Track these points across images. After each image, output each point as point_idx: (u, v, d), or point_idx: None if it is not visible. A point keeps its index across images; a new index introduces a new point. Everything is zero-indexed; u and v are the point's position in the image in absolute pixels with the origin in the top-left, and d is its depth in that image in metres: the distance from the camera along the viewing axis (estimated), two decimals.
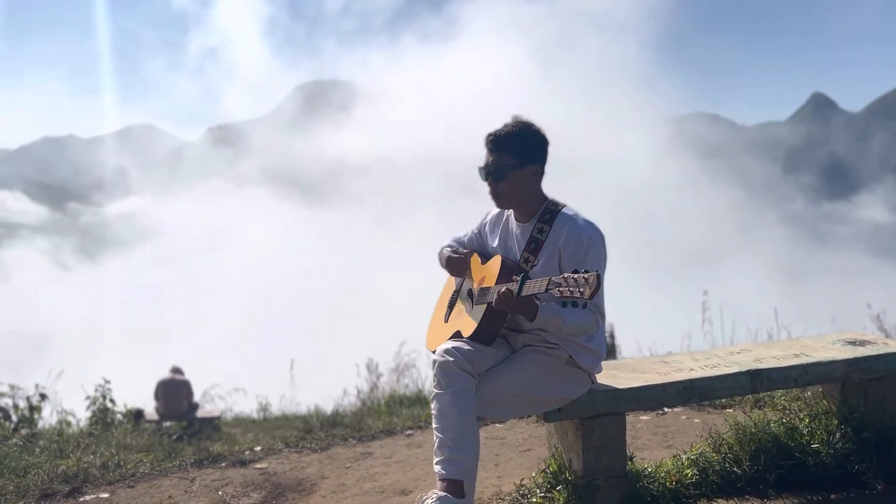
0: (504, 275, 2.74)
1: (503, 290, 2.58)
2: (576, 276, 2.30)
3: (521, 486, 3.21)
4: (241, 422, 9.48)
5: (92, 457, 4.15)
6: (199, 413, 9.62)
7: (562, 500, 2.93)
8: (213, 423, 9.09)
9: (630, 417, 4.37)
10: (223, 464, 4.11)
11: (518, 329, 2.89)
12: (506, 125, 2.81)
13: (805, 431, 3.29)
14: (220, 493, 3.66)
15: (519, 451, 3.95)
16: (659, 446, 3.84)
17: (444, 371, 2.69)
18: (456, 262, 3.01)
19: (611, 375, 3.13)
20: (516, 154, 2.78)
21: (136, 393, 9.31)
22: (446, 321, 3.07)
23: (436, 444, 2.66)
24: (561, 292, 2.33)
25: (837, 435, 3.23)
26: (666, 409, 4.45)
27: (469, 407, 2.67)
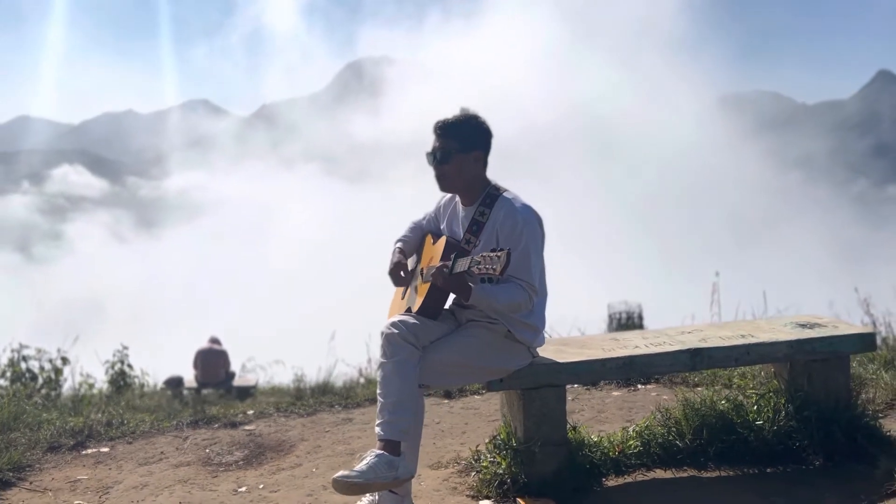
0: (446, 254, 2.93)
1: (441, 267, 2.78)
2: (491, 254, 2.49)
3: (476, 451, 3.42)
4: (277, 391, 9.87)
5: (100, 415, 4.52)
6: (236, 382, 10.06)
7: (504, 464, 3.13)
8: (248, 392, 9.52)
9: (601, 392, 4.55)
10: (216, 425, 4.43)
11: (464, 305, 3.08)
12: (453, 115, 2.99)
13: (753, 409, 3.42)
14: (207, 450, 3.97)
15: (487, 421, 4.16)
16: (621, 420, 4.00)
17: (389, 342, 2.89)
18: (395, 276, 3.19)
19: (558, 350, 3.29)
20: (461, 140, 2.96)
21: (185, 361, 9.83)
22: (403, 298, 3.29)
23: (378, 408, 2.89)
24: (479, 269, 2.52)
25: (782, 413, 3.34)
26: (638, 386, 4.60)
27: (411, 375, 2.87)
